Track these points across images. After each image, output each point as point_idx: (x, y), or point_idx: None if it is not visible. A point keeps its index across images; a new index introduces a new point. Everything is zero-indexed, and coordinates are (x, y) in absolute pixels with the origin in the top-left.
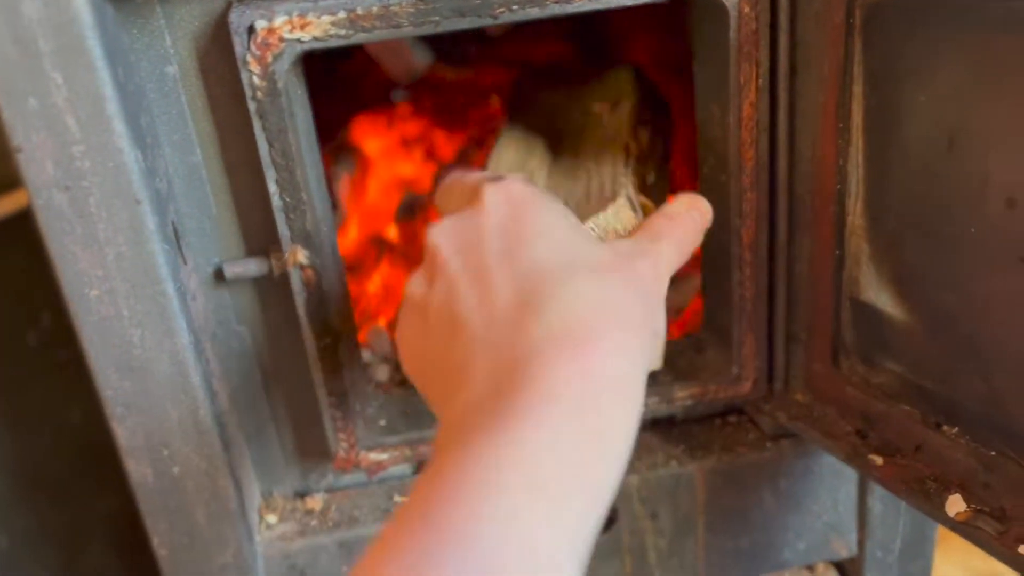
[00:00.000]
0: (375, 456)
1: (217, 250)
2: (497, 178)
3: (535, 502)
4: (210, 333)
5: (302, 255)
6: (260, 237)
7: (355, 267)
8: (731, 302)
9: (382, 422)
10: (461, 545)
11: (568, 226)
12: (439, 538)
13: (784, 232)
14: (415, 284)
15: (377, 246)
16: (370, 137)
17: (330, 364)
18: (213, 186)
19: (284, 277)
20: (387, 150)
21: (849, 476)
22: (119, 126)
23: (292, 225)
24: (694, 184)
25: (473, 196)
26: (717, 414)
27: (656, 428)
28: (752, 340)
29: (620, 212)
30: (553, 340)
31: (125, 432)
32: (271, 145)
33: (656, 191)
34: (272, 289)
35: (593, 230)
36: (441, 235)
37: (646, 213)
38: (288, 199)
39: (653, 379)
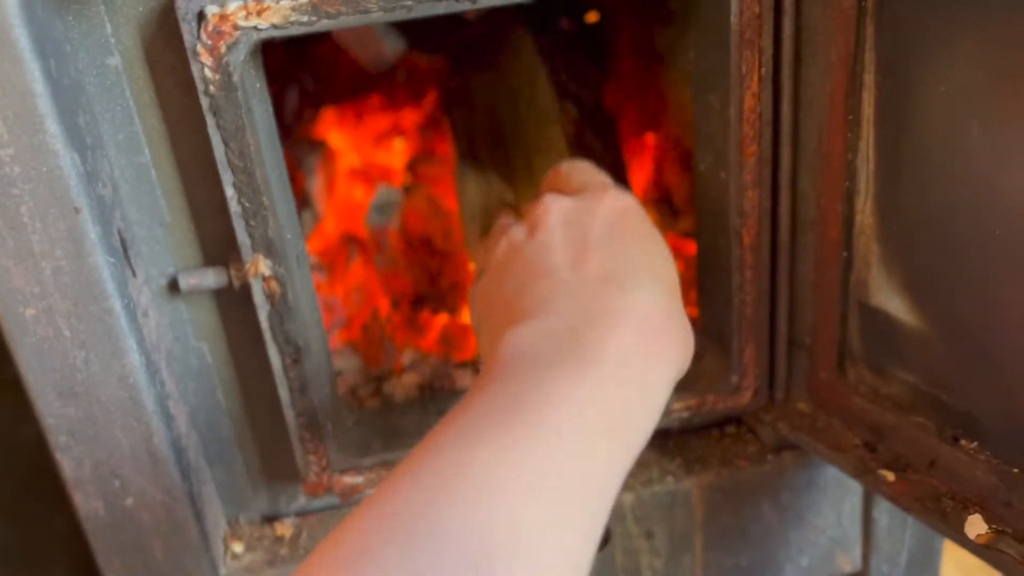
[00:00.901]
0: (349, 479)
1: (171, 260)
2: (614, 186)
3: (602, 442)
4: (165, 351)
5: (264, 265)
6: (219, 245)
7: (327, 267)
8: (730, 307)
9: (357, 441)
10: (541, 452)
11: (659, 243)
12: (523, 435)
13: (787, 232)
14: (516, 232)
15: (348, 245)
16: (340, 129)
17: (297, 381)
18: (165, 190)
19: (245, 288)
20: (357, 142)
21: (854, 488)
22: (52, 126)
23: (252, 232)
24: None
25: (591, 189)
26: (715, 424)
27: (650, 441)
28: (753, 347)
29: None
30: (628, 316)
31: (70, 463)
32: (227, 145)
33: (609, 151)
34: (233, 301)
35: None
36: (556, 205)
37: None
38: (247, 204)
39: None
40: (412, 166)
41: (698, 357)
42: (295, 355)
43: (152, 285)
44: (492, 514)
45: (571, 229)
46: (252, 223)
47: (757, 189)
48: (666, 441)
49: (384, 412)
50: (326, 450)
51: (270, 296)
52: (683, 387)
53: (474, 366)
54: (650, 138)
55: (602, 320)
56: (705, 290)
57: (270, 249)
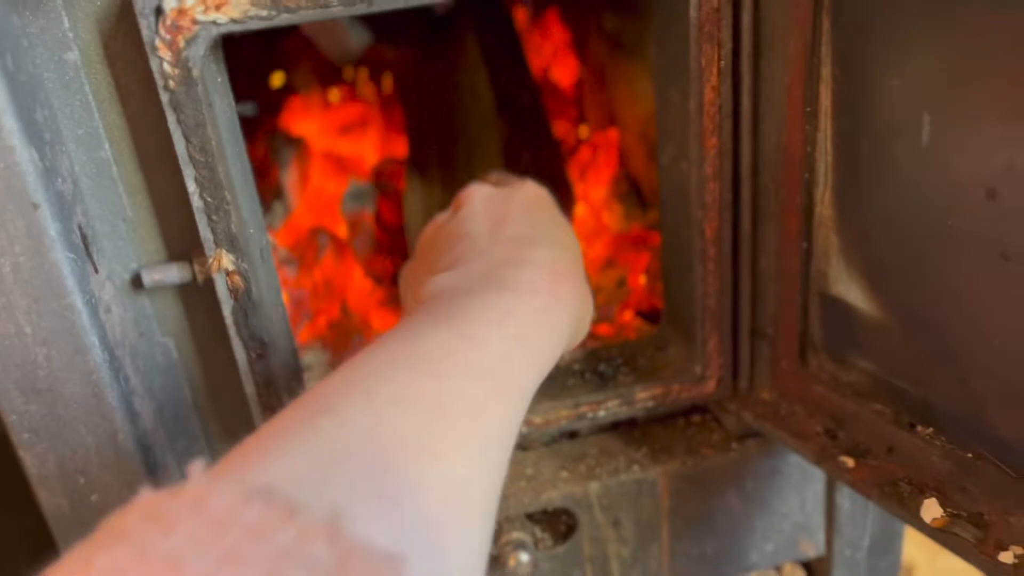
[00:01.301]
0: None
1: (134, 255)
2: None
3: (519, 349)
4: (129, 346)
5: (227, 260)
6: (182, 241)
7: (297, 261)
8: (694, 298)
9: None
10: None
11: (566, 225)
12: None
13: (748, 224)
14: (441, 216)
15: (318, 238)
16: (309, 120)
17: (262, 377)
18: (126, 185)
19: (209, 284)
20: (328, 134)
21: (817, 475)
22: (8, 121)
23: (215, 227)
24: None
25: (512, 182)
26: (680, 413)
27: (616, 431)
28: (716, 337)
29: None
30: (537, 262)
31: (34, 460)
32: (188, 140)
33: (545, 152)
34: (198, 296)
35: None
36: (478, 190)
37: None
38: (209, 199)
39: (612, 379)
40: (377, 170)
41: (662, 347)
42: (260, 350)
43: (115, 281)
44: (442, 384)
45: (491, 205)
46: (214, 218)
47: (718, 182)
48: (631, 430)
49: None
50: None
51: (234, 291)
52: (648, 376)
53: None
54: (613, 133)
55: (515, 264)
56: (670, 281)
57: (233, 244)
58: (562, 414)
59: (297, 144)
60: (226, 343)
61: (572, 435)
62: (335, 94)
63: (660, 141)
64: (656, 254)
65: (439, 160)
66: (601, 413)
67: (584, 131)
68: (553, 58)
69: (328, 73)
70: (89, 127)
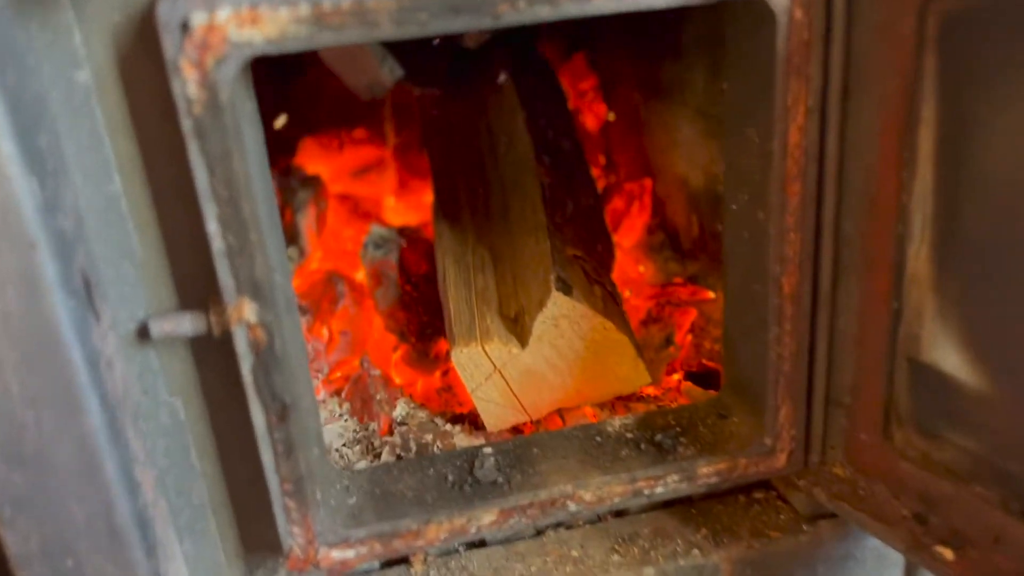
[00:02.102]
0: (338, 554)
1: (142, 303)
2: None
3: None
4: (132, 407)
5: (249, 310)
6: (197, 286)
7: (311, 309)
8: (766, 361)
9: (348, 510)
10: None
11: None
12: None
13: (828, 280)
14: None
15: (336, 285)
16: (325, 161)
17: (283, 443)
18: (137, 223)
19: (227, 337)
20: (345, 176)
21: (895, 561)
22: (7, 145)
23: (237, 273)
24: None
25: None
26: (741, 489)
27: (671, 508)
28: (790, 406)
29: (557, 302)
30: None
31: (15, 538)
32: (212, 172)
33: (583, 198)
34: (211, 351)
35: (544, 323)
36: None
37: (582, 259)
38: (233, 241)
39: (672, 451)
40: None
41: (724, 415)
42: (281, 413)
43: (119, 331)
44: None
45: None
46: (238, 262)
47: (800, 232)
48: (688, 508)
49: (376, 474)
50: (313, 520)
51: (255, 346)
52: (711, 449)
53: (471, 420)
54: (647, 180)
55: None
56: (734, 343)
57: (257, 292)
58: (616, 490)
59: (313, 185)
60: (241, 404)
61: (620, 512)
62: (353, 135)
63: (728, 186)
64: (704, 311)
65: (471, 207)
66: (659, 490)
67: (614, 178)
68: (580, 102)
69: (346, 113)
70: (98, 156)
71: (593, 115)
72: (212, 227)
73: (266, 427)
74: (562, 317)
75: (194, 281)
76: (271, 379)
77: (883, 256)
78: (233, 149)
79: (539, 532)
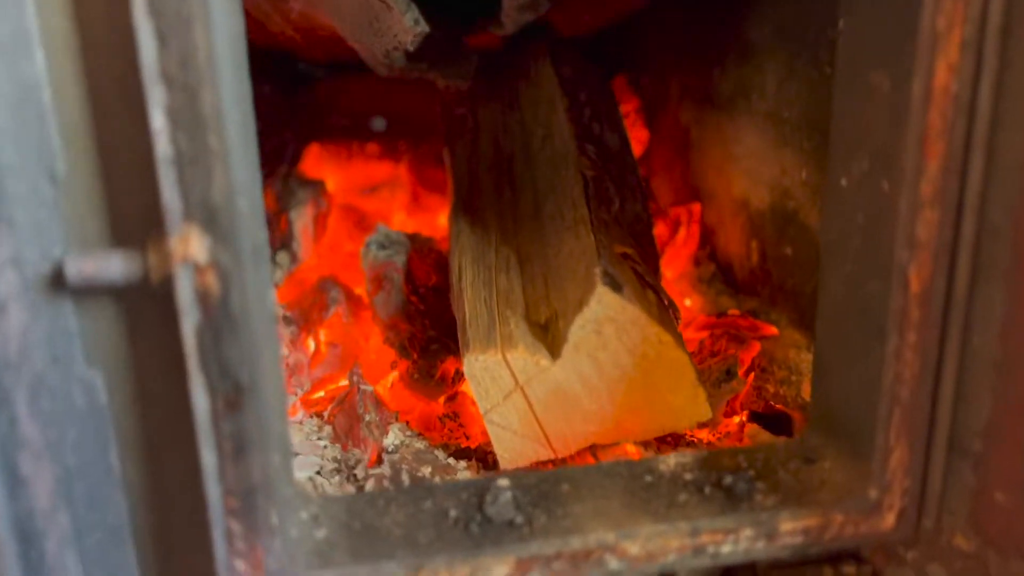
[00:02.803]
0: None
1: (60, 237)
2: None
3: None
4: (30, 376)
5: (199, 245)
6: (137, 219)
7: (297, 320)
8: (879, 386)
9: (313, 544)
10: None
11: None
12: None
13: (964, 282)
14: None
15: (329, 292)
16: (333, 169)
17: (232, 439)
18: (63, 123)
19: (168, 286)
20: (352, 188)
21: None
22: None
23: (187, 191)
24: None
25: None
26: (822, 560)
27: None
28: (906, 447)
29: (603, 301)
30: None
31: None
32: (163, 43)
33: (629, 202)
34: (149, 309)
35: (584, 327)
36: None
37: (632, 259)
38: (185, 144)
39: (746, 499)
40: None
41: (811, 459)
42: (233, 397)
43: (24, 271)
44: None
45: None
46: (189, 175)
47: (939, 210)
48: None
49: (357, 504)
50: (265, 553)
51: (203, 297)
52: (797, 499)
53: (480, 458)
54: (696, 206)
55: None
56: (827, 367)
57: (212, 221)
58: (671, 544)
59: (315, 186)
60: (185, 385)
61: None
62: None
63: (838, 154)
64: (765, 349)
65: (496, 208)
66: (728, 548)
67: (654, 206)
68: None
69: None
70: (16, 25)
71: (633, 141)
72: (157, 121)
73: (210, 415)
74: (608, 321)
75: (136, 210)
76: (222, 348)
77: None
78: (195, 15)
79: None
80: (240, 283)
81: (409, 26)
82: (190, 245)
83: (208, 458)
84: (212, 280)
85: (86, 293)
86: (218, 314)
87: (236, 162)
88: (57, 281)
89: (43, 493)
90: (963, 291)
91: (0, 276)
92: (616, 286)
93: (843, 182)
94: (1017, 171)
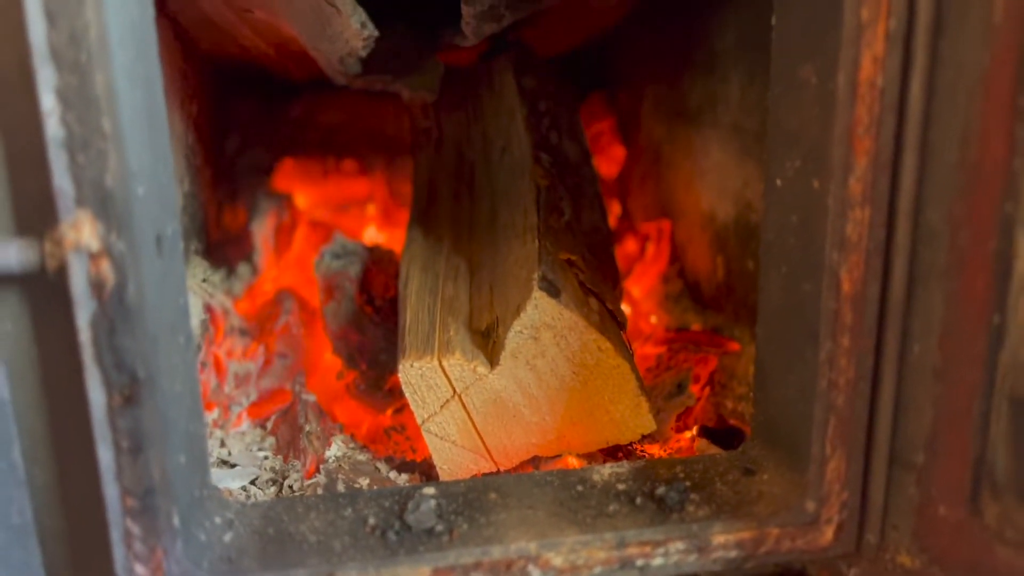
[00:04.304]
0: None
1: None
2: None
3: None
4: None
5: (91, 232)
6: (36, 206)
7: (252, 331)
8: (813, 392)
9: (221, 549)
10: None
11: None
12: None
13: (901, 285)
14: None
15: (283, 302)
16: (303, 186)
17: (129, 435)
18: None
19: (64, 275)
20: (324, 199)
21: None
22: None
23: (79, 175)
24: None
25: None
26: None
27: None
28: (842, 456)
29: (540, 306)
30: None
31: None
32: (51, 21)
33: (586, 212)
34: (50, 299)
35: (521, 333)
36: None
37: (577, 267)
38: (76, 126)
39: (678, 509)
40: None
41: (750, 471)
42: (128, 391)
43: None
44: None
45: None
46: (80, 160)
47: (868, 208)
48: None
49: (274, 510)
50: (167, 557)
51: (97, 287)
52: (732, 511)
53: (425, 471)
54: (666, 223)
55: None
56: (767, 374)
57: (106, 207)
58: (597, 556)
59: (279, 199)
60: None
61: None
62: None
63: (773, 154)
64: (725, 365)
65: (453, 217)
66: (658, 561)
67: (626, 223)
68: (595, 146)
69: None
70: None
71: (609, 158)
72: (47, 102)
73: (106, 411)
74: (545, 328)
75: (33, 200)
76: (118, 340)
77: (981, 251)
78: None
79: None
80: (137, 273)
81: (356, 29)
82: (82, 232)
83: (105, 455)
84: (106, 269)
85: None
86: (113, 304)
87: (133, 146)
88: None
89: None
90: (900, 295)
91: None
92: (554, 291)
93: (778, 182)
94: (953, 171)
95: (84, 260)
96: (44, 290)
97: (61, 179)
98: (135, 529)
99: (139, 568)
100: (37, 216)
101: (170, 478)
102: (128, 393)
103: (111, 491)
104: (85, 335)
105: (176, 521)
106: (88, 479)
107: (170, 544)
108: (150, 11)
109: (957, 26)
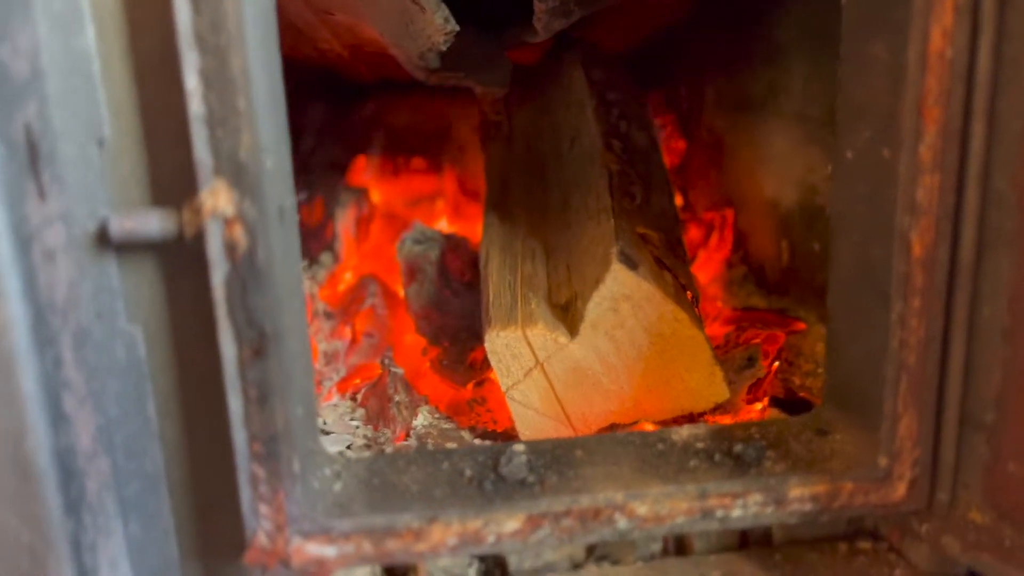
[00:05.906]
0: (315, 549)
1: (106, 199)
2: None
3: None
4: (75, 326)
5: (227, 199)
6: (176, 182)
7: (336, 314)
8: (885, 353)
9: (334, 494)
10: None
11: None
12: None
13: (970, 249)
14: None
15: (367, 286)
16: (383, 187)
17: (257, 386)
18: (111, 92)
19: (200, 240)
20: (397, 195)
21: None
22: None
23: (217, 147)
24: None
25: None
26: (839, 536)
27: (746, 550)
28: (914, 415)
29: (618, 278)
30: None
31: None
32: (197, 10)
33: (656, 195)
34: (184, 264)
35: (600, 305)
36: None
37: (652, 243)
38: (216, 104)
39: (755, 465)
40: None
41: (823, 431)
42: (258, 345)
43: (72, 227)
44: None
45: None
46: (219, 134)
47: (938, 174)
48: (772, 554)
49: (377, 463)
50: (287, 499)
51: (231, 249)
52: (807, 466)
53: (504, 438)
54: (730, 211)
55: None
56: (839, 338)
57: (240, 177)
58: (680, 507)
59: (357, 192)
60: (214, 336)
61: (681, 547)
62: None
63: (843, 127)
64: (792, 344)
65: (526, 205)
66: (737, 512)
67: (689, 214)
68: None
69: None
70: (71, 3)
71: (670, 151)
72: (191, 82)
73: (237, 363)
74: (623, 299)
75: (171, 173)
76: (248, 299)
77: None
78: None
79: (576, 566)
80: (265, 238)
81: (440, 24)
82: (219, 199)
83: (235, 404)
84: (239, 233)
85: (128, 250)
86: (245, 266)
87: (262, 123)
88: (102, 239)
89: (84, 434)
90: (969, 258)
91: (51, 228)
92: (632, 264)
93: (848, 154)
94: (1019, 139)
95: (220, 225)
96: (179, 256)
97: (202, 151)
98: (261, 472)
99: (264, 508)
100: (174, 188)
101: (291, 427)
102: (257, 347)
103: (240, 437)
104: (220, 293)
105: (296, 467)
106: (211, 432)
107: (291, 488)
108: (274, 5)
109: None
